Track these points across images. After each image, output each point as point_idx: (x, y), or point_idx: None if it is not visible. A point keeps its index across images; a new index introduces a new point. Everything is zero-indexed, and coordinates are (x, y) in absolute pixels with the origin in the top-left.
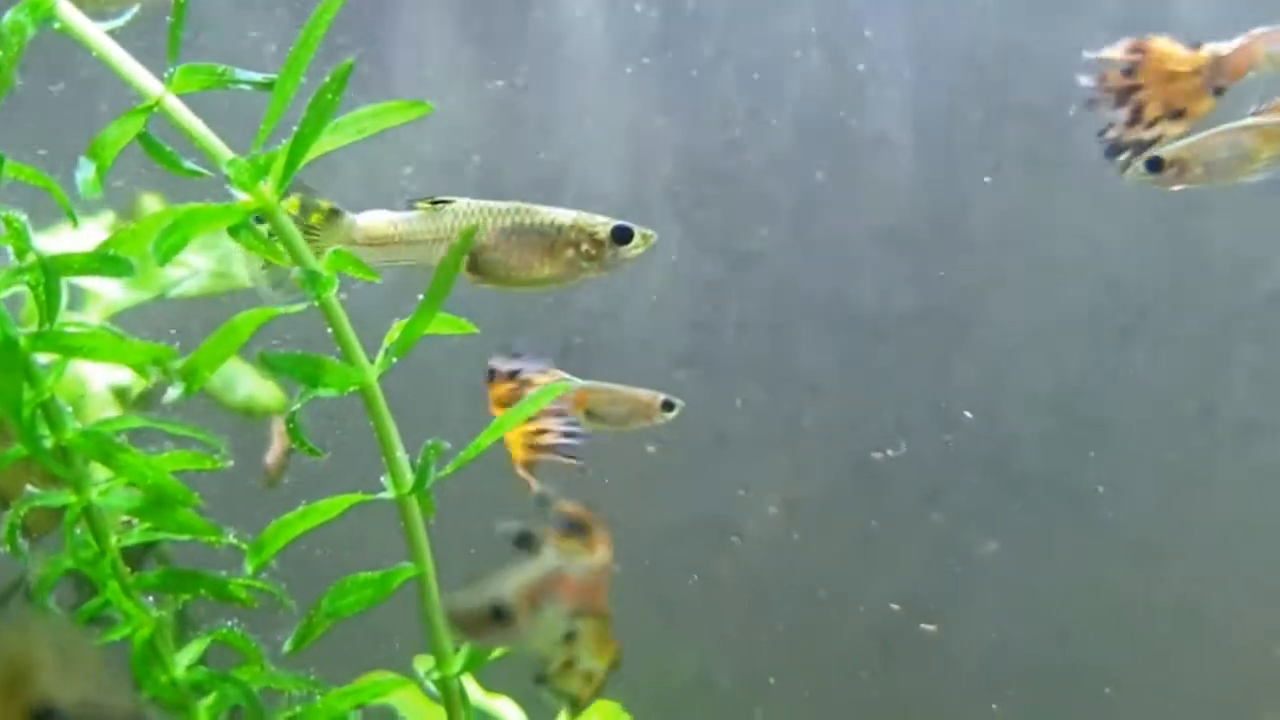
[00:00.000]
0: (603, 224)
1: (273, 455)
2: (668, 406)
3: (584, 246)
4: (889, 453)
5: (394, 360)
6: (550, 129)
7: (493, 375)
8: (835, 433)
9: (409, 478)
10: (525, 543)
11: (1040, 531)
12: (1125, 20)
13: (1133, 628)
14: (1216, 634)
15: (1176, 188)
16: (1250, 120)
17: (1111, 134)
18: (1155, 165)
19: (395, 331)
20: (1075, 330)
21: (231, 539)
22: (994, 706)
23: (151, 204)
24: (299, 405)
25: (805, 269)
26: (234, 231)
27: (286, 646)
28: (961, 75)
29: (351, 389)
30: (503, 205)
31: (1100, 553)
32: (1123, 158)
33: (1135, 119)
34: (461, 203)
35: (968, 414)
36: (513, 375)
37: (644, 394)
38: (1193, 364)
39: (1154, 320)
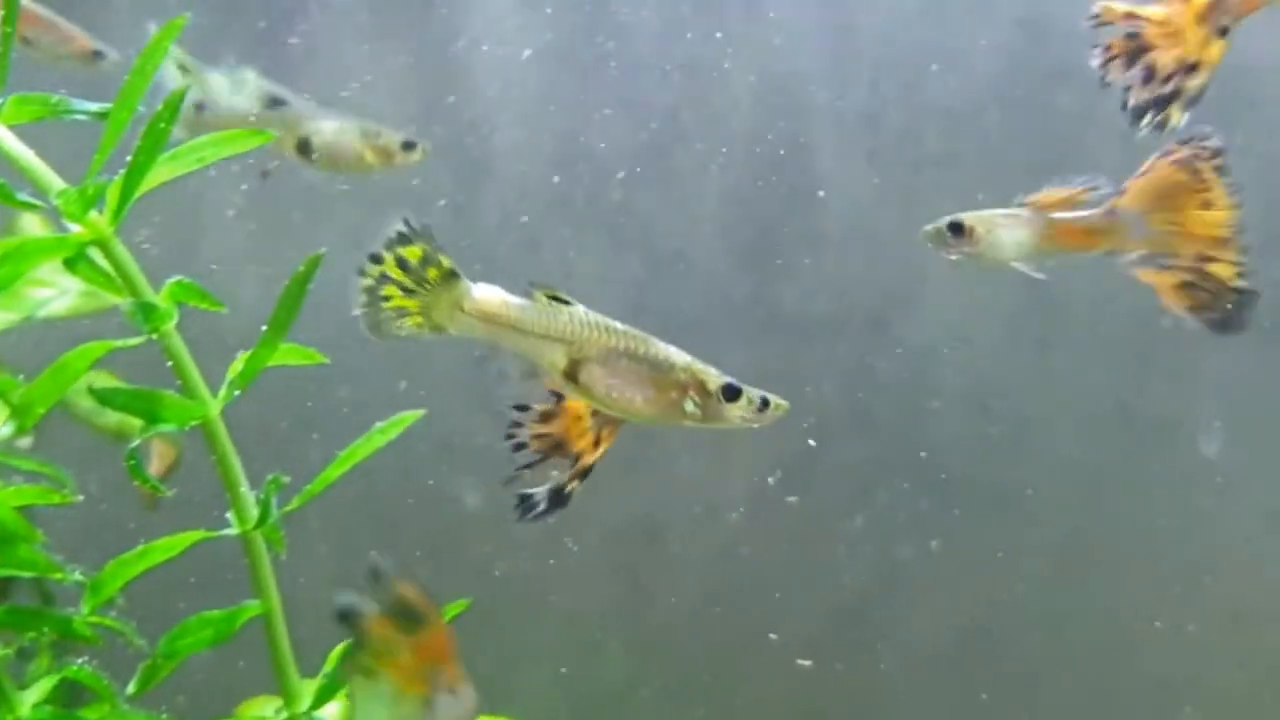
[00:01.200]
0: (714, 376)
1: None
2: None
3: (690, 392)
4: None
5: (236, 393)
6: (475, 129)
7: None
8: (758, 434)
9: (254, 513)
10: (347, 620)
11: (962, 533)
12: (1039, 20)
13: (1055, 628)
14: (1137, 634)
15: (954, 256)
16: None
17: (1131, 99)
18: (958, 230)
19: (239, 364)
20: (996, 332)
21: (77, 576)
22: (920, 707)
23: (30, 225)
24: (137, 442)
25: (727, 270)
26: (70, 264)
27: (131, 688)
28: (881, 78)
29: (192, 424)
30: (620, 326)
31: (1022, 554)
32: (1146, 119)
33: (1149, 78)
34: (580, 309)
35: (811, 442)
36: None
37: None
38: (1111, 366)
39: (1073, 322)
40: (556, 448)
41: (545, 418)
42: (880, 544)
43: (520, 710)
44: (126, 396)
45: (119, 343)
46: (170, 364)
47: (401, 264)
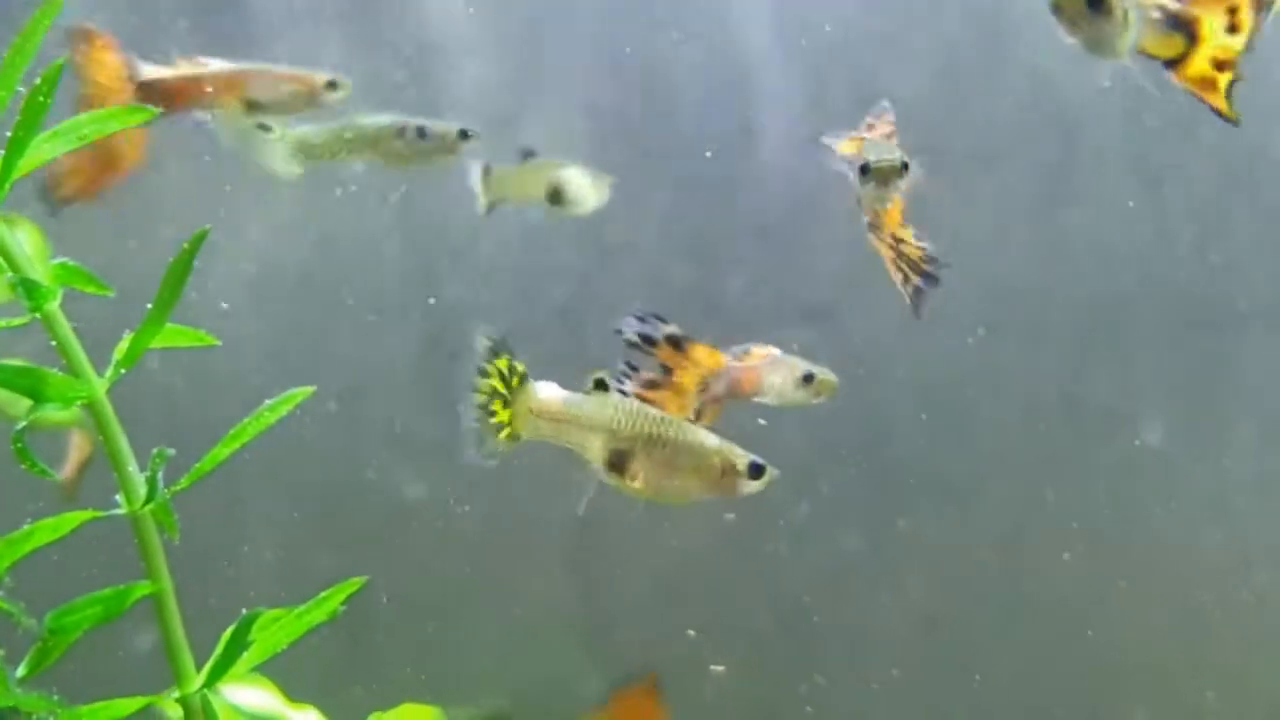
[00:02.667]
0: (740, 456)
1: (69, 469)
2: (808, 379)
3: (721, 472)
4: None
5: (122, 373)
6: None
7: (650, 340)
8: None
9: (142, 493)
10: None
11: (907, 522)
12: (983, 10)
13: (1001, 616)
14: (1082, 621)
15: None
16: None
17: None
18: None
19: (124, 344)
20: (942, 322)
21: None
22: (868, 695)
23: None
24: (25, 423)
25: (674, 261)
26: None
27: (21, 670)
28: (826, 66)
29: (78, 403)
30: (656, 413)
31: (968, 543)
32: None
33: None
34: (618, 398)
35: (761, 421)
36: (673, 341)
37: (799, 365)
38: (1056, 356)
39: (1018, 313)
40: None
41: (650, 385)
42: (826, 533)
43: (463, 699)
44: (9, 374)
45: (4, 320)
46: (54, 344)
47: (501, 376)
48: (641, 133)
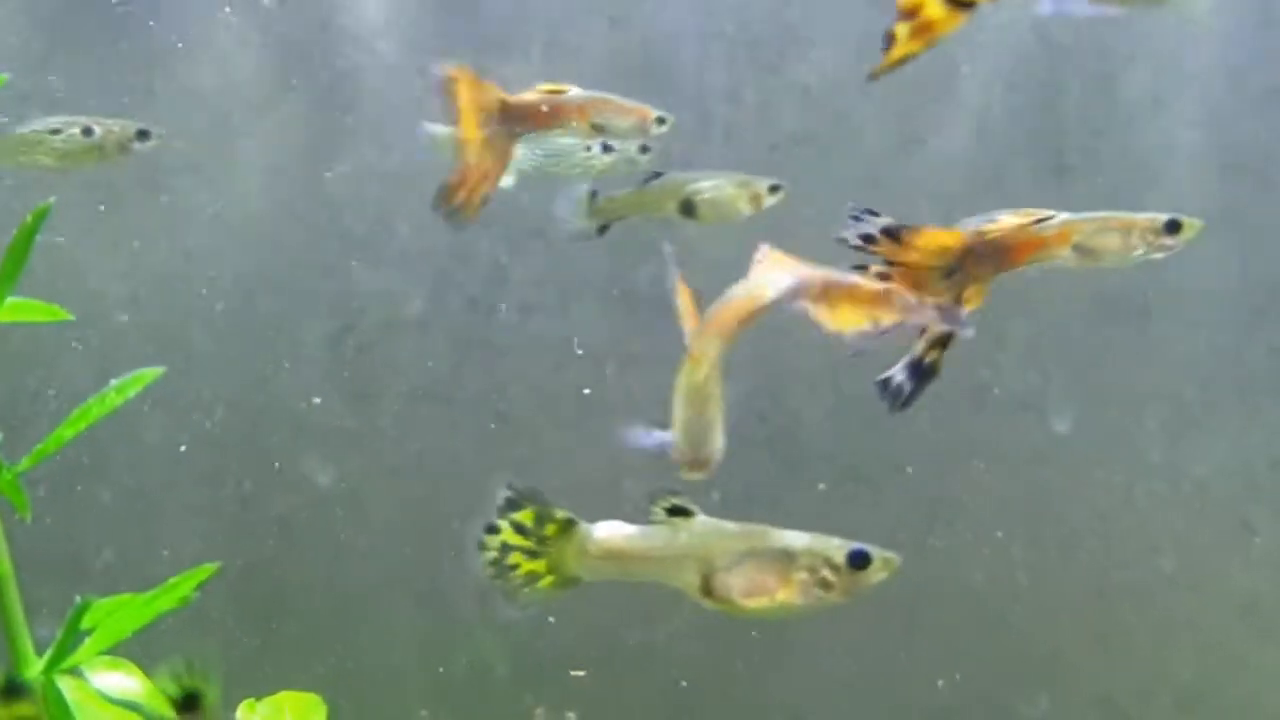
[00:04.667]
0: (838, 548)
1: None
2: (1172, 228)
3: (820, 573)
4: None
5: None
6: (331, 104)
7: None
8: (615, 412)
9: None
10: None
11: (816, 511)
12: (892, 0)
13: (912, 605)
14: (994, 611)
15: None
16: None
17: None
18: None
19: None
20: None
21: None
22: (780, 685)
23: None
24: None
25: (584, 248)
26: None
27: None
28: (739, 56)
29: None
30: (736, 527)
31: (878, 532)
32: None
33: None
34: (699, 520)
35: (586, 391)
36: (890, 234)
37: (1141, 218)
38: (965, 343)
39: None
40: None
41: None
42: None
43: (377, 687)
44: None
45: None
46: None
47: (519, 529)
48: None
